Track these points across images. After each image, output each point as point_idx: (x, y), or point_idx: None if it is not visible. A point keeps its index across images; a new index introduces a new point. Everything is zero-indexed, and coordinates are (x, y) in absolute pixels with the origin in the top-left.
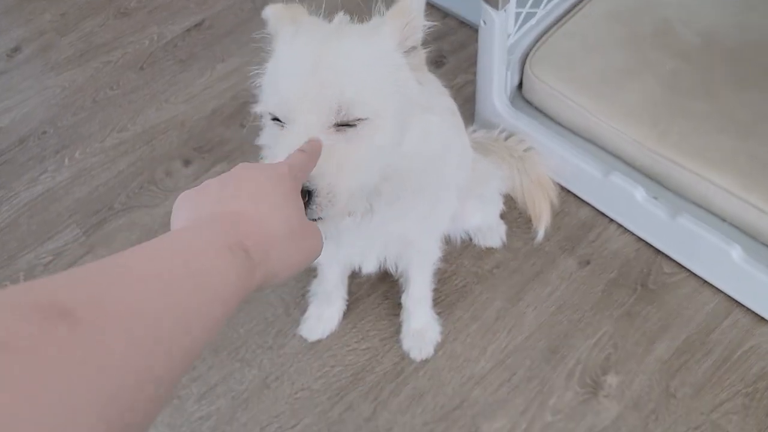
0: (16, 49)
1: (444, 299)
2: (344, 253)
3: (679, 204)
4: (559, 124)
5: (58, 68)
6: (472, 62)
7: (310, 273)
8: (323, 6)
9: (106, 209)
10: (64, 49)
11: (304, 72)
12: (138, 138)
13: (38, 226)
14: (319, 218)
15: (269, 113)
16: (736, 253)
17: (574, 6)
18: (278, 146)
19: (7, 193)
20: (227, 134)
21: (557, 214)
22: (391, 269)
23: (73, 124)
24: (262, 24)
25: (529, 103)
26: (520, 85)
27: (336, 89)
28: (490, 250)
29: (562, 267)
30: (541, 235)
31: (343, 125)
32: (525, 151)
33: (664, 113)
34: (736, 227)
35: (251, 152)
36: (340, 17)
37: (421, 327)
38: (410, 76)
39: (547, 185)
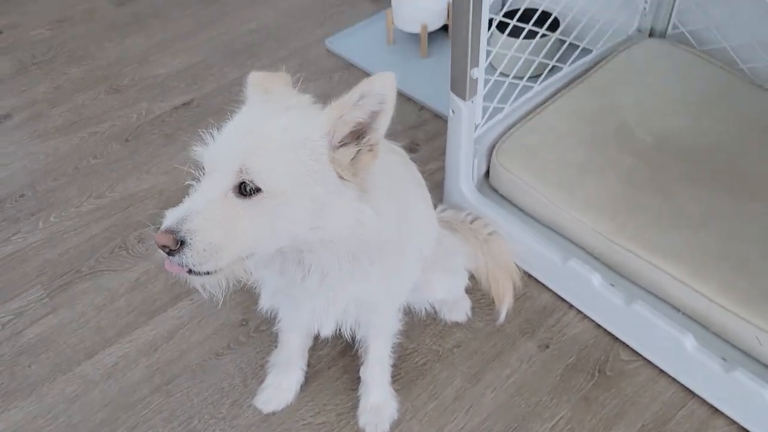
0: (7, 116)
1: (403, 376)
2: (304, 315)
3: (635, 291)
4: (523, 211)
5: (45, 136)
6: (443, 151)
7: (271, 344)
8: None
9: (74, 272)
10: (53, 119)
11: (230, 138)
12: (115, 205)
13: (3, 284)
14: (190, 271)
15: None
16: (689, 341)
17: (539, 105)
18: (191, 194)
19: None
20: None
21: (519, 298)
22: (350, 334)
23: (52, 188)
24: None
25: (495, 190)
26: (488, 173)
27: (242, 155)
28: (451, 329)
29: (522, 350)
30: (503, 316)
31: (245, 196)
32: (489, 234)
33: (622, 207)
34: (689, 317)
35: None
36: (304, 98)
37: (378, 402)
38: (329, 168)
39: (510, 268)
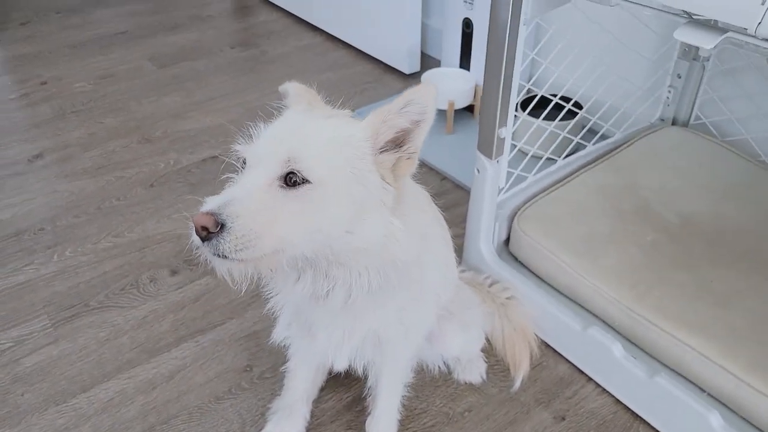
0: (38, 156)
1: None
2: (320, 346)
3: (657, 366)
4: (542, 279)
5: (72, 177)
6: (462, 219)
7: (274, 392)
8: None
9: (82, 305)
10: (83, 162)
11: (277, 133)
12: (132, 245)
13: (8, 312)
14: (224, 256)
15: (242, 155)
16: (715, 420)
17: (562, 179)
18: (233, 184)
19: None
20: None
21: (535, 367)
22: (362, 371)
23: (71, 225)
24: None
25: (514, 258)
26: (507, 241)
27: (289, 146)
28: (463, 393)
29: (536, 419)
30: (518, 383)
31: (288, 185)
32: (507, 298)
33: (644, 278)
34: (715, 398)
35: None
36: (345, 111)
37: None
38: (372, 169)
39: (528, 334)
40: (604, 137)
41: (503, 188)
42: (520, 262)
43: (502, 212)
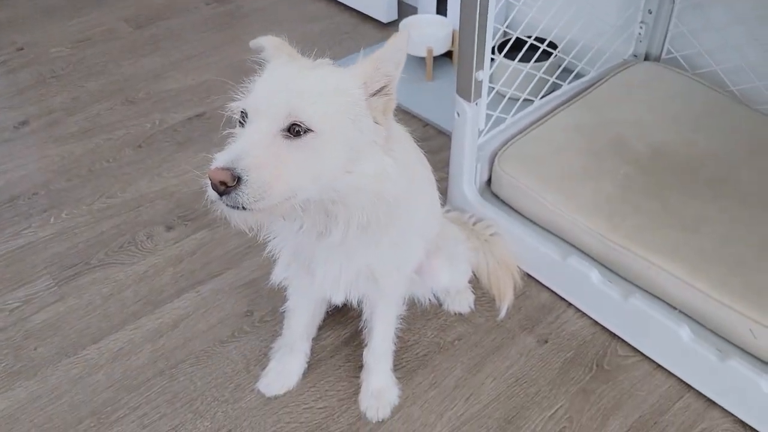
0: (24, 123)
1: (405, 365)
2: (318, 282)
3: (632, 288)
4: (522, 215)
5: (61, 141)
6: (446, 163)
7: (275, 334)
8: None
9: (83, 264)
10: (69, 126)
11: (272, 86)
12: (126, 204)
13: (12, 274)
14: (243, 208)
15: (240, 110)
16: (685, 333)
17: (539, 119)
18: (237, 138)
19: None
20: (212, 206)
21: (519, 296)
22: (357, 303)
23: (65, 188)
24: None
25: (496, 196)
26: (489, 181)
27: (289, 99)
28: (452, 324)
29: (521, 344)
30: (503, 312)
31: (292, 135)
32: (491, 235)
33: (618, 209)
34: (685, 314)
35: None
36: (326, 60)
37: (379, 387)
38: (366, 113)
39: (511, 266)
40: (579, 76)
41: (483, 130)
42: (501, 200)
43: (483, 153)
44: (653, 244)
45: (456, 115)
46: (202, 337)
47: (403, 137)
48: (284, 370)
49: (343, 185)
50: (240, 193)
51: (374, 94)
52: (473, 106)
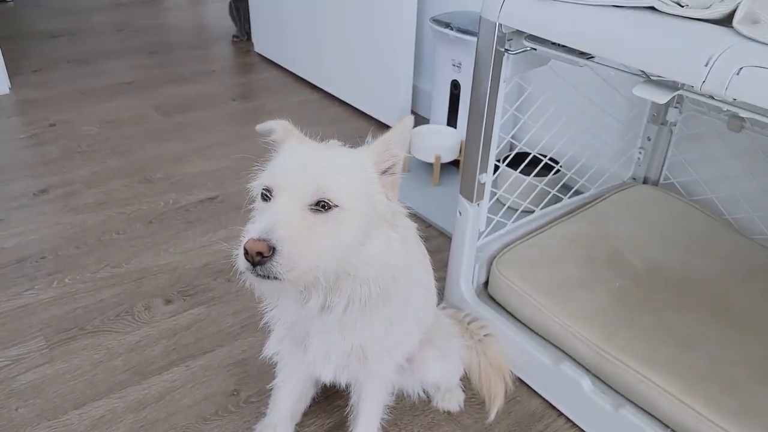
0: (43, 191)
1: None
2: (310, 357)
3: (622, 400)
4: (517, 318)
5: (75, 211)
6: (445, 263)
7: (259, 416)
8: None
9: (78, 329)
10: (85, 197)
11: (296, 164)
12: (129, 275)
13: (7, 333)
14: (275, 278)
15: (263, 187)
16: None
17: (539, 227)
18: (262, 213)
19: None
20: (212, 285)
21: (509, 401)
22: (345, 387)
23: (72, 255)
24: None
25: (493, 299)
26: (486, 284)
27: (316, 176)
28: (440, 423)
29: None
30: (492, 415)
31: (318, 210)
32: (485, 335)
33: (612, 319)
34: (671, 429)
35: (232, 302)
36: (335, 142)
37: None
38: (380, 190)
39: (503, 369)
40: (578, 193)
41: (484, 232)
42: (498, 303)
43: (482, 255)
44: (646, 358)
45: (458, 213)
46: (185, 412)
47: (406, 222)
48: None
49: (356, 258)
50: (274, 264)
51: (383, 173)
52: (475, 206)
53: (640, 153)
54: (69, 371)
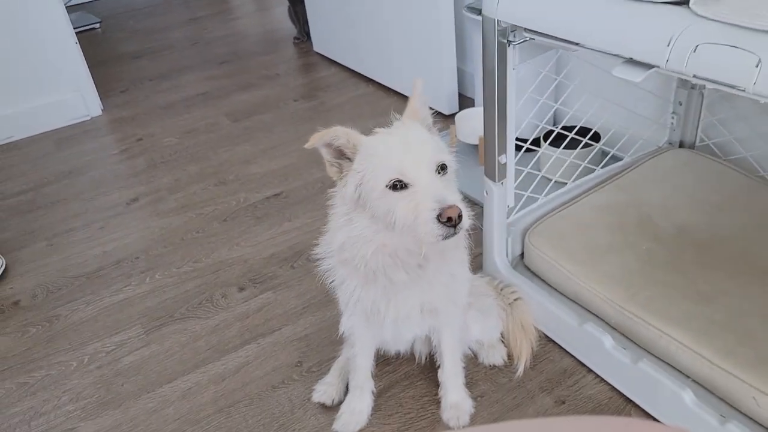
0: (134, 200)
1: (430, 416)
2: (389, 320)
3: (642, 353)
4: (551, 286)
5: (162, 215)
6: None
7: (319, 376)
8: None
9: (167, 317)
10: (170, 203)
11: (409, 152)
12: (208, 268)
13: (112, 322)
14: (462, 230)
15: (393, 180)
16: (688, 397)
17: (571, 199)
18: (414, 197)
19: (95, 297)
20: (278, 272)
21: (542, 360)
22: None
23: (161, 254)
24: (326, 197)
25: (527, 268)
26: (523, 255)
27: (428, 150)
28: (477, 381)
29: (539, 403)
30: (520, 370)
31: (441, 174)
32: (515, 300)
33: (636, 281)
34: (695, 381)
35: (295, 287)
36: (396, 121)
37: (457, 400)
38: (443, 143)
39: (529, 330)
40: (617, 159)
41: (515, 208)
42: (532, 272)
43: (515, 229)
44: (665, 314)
45: (485, 193)
46: (257, 382)
47: None
48: (356, 409)
49: None
50: (463, 218)
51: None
52: (499, 186)
53: (672, 118)
54: (162, 352)
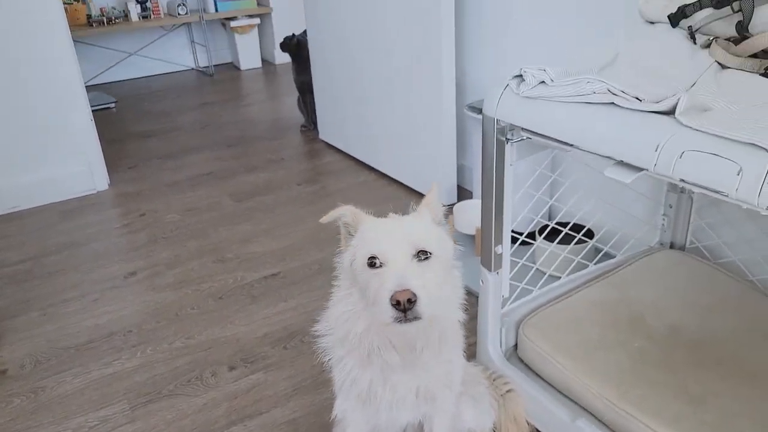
0: (132, 274)
1: None
2: (385, 404)
3: None
4: (542, 378)
5: (158, 290)
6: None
7: None
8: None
9: (155, 393)
10: (167, 278)
11: (392, 234)
12: (200, 345)
13: (98, 396)
14: (419, 318)
15: (370, 257)
16: None
17: (566, 292)
18: (381, 276)
19: (83, 370)
20: (270, 352)
21: None
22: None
23: (154, 328)
24: (326, 278)
25: (520, 360)
26: (516, 346)
27: (410, 234)
28: None
29: None
30: None
31: (419, 260)
32: (508, 391)
33: (628, 378)
34: None
35: (287, 368)
36: (392, 215)
37: None
38: (446, 237)
39: (521, 424)
40: (611, 256)
41: (510, 298)
42: (525, 364)
43: (509, 320)
44: (658, 413)
45: (480, 282)
46: None
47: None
48: None
49: (438, 300)
50: (419, 306)
51: (438, 223)
52: (494, 275)
53: (663, 219)
54: (146, 430)
